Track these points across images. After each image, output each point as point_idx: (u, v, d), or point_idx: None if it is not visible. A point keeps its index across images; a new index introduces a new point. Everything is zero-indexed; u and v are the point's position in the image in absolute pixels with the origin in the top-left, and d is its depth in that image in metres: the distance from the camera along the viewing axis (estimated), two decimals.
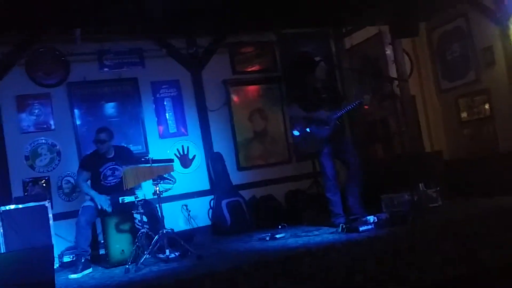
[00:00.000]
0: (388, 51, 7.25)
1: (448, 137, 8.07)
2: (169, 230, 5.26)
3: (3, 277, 3.93)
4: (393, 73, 7.10)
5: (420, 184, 6.24)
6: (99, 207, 5.43)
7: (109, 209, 5.44)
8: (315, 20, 7.45)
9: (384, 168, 7.21)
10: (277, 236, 5.64)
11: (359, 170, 5.81)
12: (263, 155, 7.62)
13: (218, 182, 7.10)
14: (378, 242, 4.77)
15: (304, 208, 6.71)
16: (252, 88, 7.73)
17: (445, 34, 7.88)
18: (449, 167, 7.24)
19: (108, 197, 5.50)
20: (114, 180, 5.75)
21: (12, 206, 5.62)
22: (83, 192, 5.61)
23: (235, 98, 7.56)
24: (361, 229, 5.10)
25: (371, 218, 5.37)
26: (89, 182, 5.73)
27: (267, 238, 5.64)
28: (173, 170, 5.62)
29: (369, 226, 5.17)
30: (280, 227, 5.95)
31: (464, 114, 7.72)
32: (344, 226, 5.33)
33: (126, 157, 5.79)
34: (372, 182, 6.30)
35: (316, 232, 5.56)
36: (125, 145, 6.63)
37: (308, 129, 5.73)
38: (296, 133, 5.90)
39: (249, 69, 7.73)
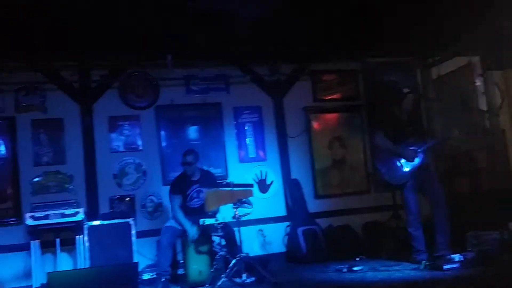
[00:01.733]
0: (478, 83, 6.97)
1: None
2: (246, 255, 5.30)
3: None
4: (482, 105, 6.81)
5: (509, 223, 5.88)
6: (189, 240, 5.56)
7: (193, 238, 5.57)
8: (401, 50, 7.34)
9: (470, 204, 6.85)
10: (355, 268, 5.51)
11: (445, 208, 5.56)
12: (341, 184, 7.52)
13: (295, 209, 7.09)
14: (463, 282, 4.54)
15: (383, 241, 6.51)
16: (332, 116, 7.71)
17: None
18: None
19: (198, 230, 5.59)
20: (199, 202, 5.88)
21: (98, 222, 5.90)
22: (177, 219, 5.69)
23: (315, 125, 7.56)
24: (445, 267, 4.89)
25: (456, 257, 5.13)
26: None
27: (344, 270, 5.53)
28: (252, 195, 5.70)
29: (454, 265, 4.94)
30: (358, 259, 5.82)
31: None
32: (427, 263, 5.13)
33: (210, 180, 5.94)
34: (456, 218, 6.00)
35: (397, 268, 5.39)
36: (207, 168, 6.82)
37: (393, 162, 5.60)
38: (381, 166, 5.76)
39: (331, 97, 7.72)
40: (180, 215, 5.69)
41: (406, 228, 5.69)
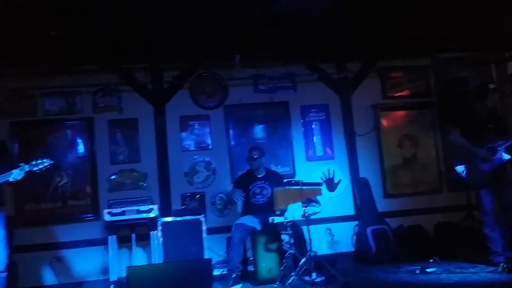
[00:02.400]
0: None
1: None
2: (314, 253, 5.30)
3: (163, 286, 4.25)
4: None
5: None
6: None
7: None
8: (475, 44, 7.06)
9: None
10: (428, 270, 5.38)
11: None
12: (412, 183, 7.34)
13: (364, 208, 6.99)
14: None
15: (458, 243, 6.30)
16: (402, 113, 7.53)
17: None
18: None
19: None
20: (263, 199, 5.99)
21: (171, 218, 6.09)
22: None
23: (384, 123, 7.43)
24: None
25: None
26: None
27: (417, 271, 5.41)
28: (321, 194, 5.68)
29: None
30: (431, 260, 5.66)
31: None
32: (505, 266, 4.92)
33: (276, 179, 6.02)
34: None
35: (472, 270, 5.22)
36: (274, 166, 6.88)
37: (470, 161, 5.40)
38: (459, 168, 5.56)
39: (400, 94, 7.55)
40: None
41: (482, 229, 5.47)
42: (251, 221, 5.77)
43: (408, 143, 7.45)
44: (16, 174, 4.30)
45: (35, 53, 5.95)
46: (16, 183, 4.46)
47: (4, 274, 4.48)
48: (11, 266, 4.60)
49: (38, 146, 6.18)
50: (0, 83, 6.41)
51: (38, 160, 4.39)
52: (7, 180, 4.33)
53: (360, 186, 7.11)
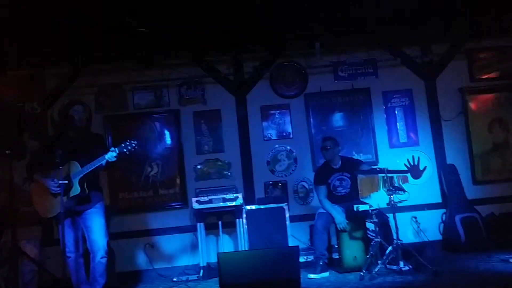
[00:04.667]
0: None
1: None
2: (401, 242, 5.22)
3: (253, 272, 4.37)
4: None
5: None
6: (338, 228, 5.64)
7: (346, 228, 5.62)
8: None
9: None
10: None
11: None
12: (504, 169, 7.00)
13: (451, 196, 6.76)
14: None
15: None
16: (492, 96, 7.17)
17: None
18: None
19: (347, 221, 5.65)
20: (344, 190, 5.93)
21: (254, 207, 6.21)
22: (325, 209, 5.81)
23: (472, 107, 7.11)
24: None
25: None
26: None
27: (511, 260, 5.17)
28: (407, 181, 5.60)
29: None
30: None
31: None
32: None
33: (353, 166, 5.94)
34: None
35: None
36: (356, 154, 6.81)
37: None
38: None
39: (489, 76, 7.19)
40: (327, 204, 5.78)
41: None
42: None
43: (499, 127, 7.10)
44: (109, 155, 4.53)
45: (125, 49, 6.26)
46: (110, 167, 4.71)
47: (105, 259, 4.77)
48: (109, 252, 4.89)
49: (130, 138, 6.47)
50: (94, 79, 6.82)
51: (126, 142, 4.62)
52: (102, 164, 4.58)
53: (447, 173, 6.88)
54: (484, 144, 7.05)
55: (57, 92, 6.74)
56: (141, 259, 6.62)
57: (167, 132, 6.94)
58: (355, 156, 6.80)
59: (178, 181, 6.84)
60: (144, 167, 6.80)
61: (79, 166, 4.59)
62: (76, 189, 4.58)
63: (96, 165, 4.56)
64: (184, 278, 5.96)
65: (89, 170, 4.56)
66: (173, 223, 6.71)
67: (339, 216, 5.64)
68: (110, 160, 4.53)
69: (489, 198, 6.85)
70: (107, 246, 4.81)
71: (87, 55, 6.41)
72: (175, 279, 5.95)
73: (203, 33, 6.08)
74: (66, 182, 4.49)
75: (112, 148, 4.56)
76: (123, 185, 6.76)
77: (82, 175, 4.57)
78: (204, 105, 6.98)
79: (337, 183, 5.94)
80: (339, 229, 5.63)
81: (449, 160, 6.98)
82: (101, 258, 4.75)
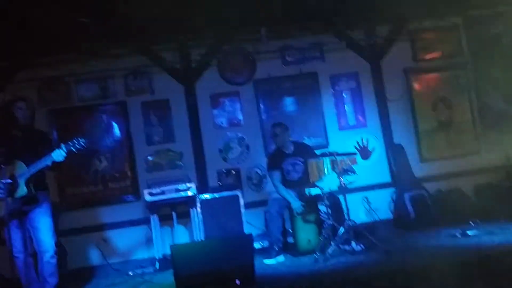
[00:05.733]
0: None
1: None
2: (353, 222, 5.33)
3: (207, 261, 4.36)
4: None
5: None
6: (295, 212, 5.67)
7: (299, 212, 5.66)
8: None
9: None
10: (469, 233, 5.35)
11: None
12: (449, 146, 7.23)
13: (400, 175, 6.94)
14: None
15: (498, 204, 6.21)
16: (435, 75, 7.37)
17: None
18: None
19: (303, 203, 5.68)
20: (297, 175, 5.96)
21: (209, 196, 6.18)
22: (280, 194, 5.83)
23: (416, 86, 7.30)
24: None
25: None
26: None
27: (458, 235, 5.38)
28: (356, 163, 5.69)
29: None
30: (471, 223, 5.62)
31: None
32: None
33: (305, 151, 5.98)
34: None
35: None
36: (306, 139, 6.87)
37: None
38: None
39: (432, 56, 7.38)
40: (282, 189, 5.81)
41: None
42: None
43: (443, 106, 7.31)
44: (56, 155, 4.40)
45: (66, 41, 6.04)
46: (57, 166, 4.58)
47: (54, 259, 4.67)
48: (59, 250, 4.77)
49: (76, 132, 6.27)
50: (35, 72, 6.56)
51: (74, 140, 4.49)
52: (48, 164, 4.45)
53: (395, 153, 7.05)
54: (429, 122, 7.26)
55: None
56: (95, 255, 6.49)
57: (115, 124, 6.78)
58: (306, 140, 6.86)
59: (129, 173, 6.72)
60: (93, 161, 6.64)
61: (25, 166, 4.46)
62: (22, 190, 4.46)
63: (43, 165, 4.43)
64: (139, 271, 5.88)
65: (36, 170, 4.43)
66: (126, 216, 6.60)
67: (295, 201, 5.68)
68: (57, 160, 4.41)
69: (436, 175, 7.07)
70: (56, 245, 4.70)
71: (26, 48, 6.15)
72: (130, 273, 5.87)
73: (148, 21, 5.94)
74: (10, 182, 4.33)
75: (60, 147, 4.42)
76: (71, 180, 6.58)
77: (28, 175, 4.44)
78: (152, 95, 6.85)
79: (290, 167, 5.97)
80: (295, 214, 5.67)
81: (396, 140, 7.16)
82: (50, 258, 4.66)
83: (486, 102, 6.74)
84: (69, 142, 4.48)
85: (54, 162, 4.45)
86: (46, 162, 4.43)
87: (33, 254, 4.73)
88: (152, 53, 6.79)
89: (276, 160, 5.98)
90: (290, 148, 6.01)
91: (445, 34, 7.39)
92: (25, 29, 5.50)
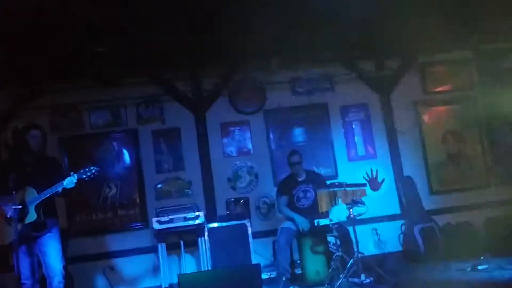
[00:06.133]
0: None
1: None
2: (362, 254, 5.28)
3: None
4: None
5: None
6: (300, 228, 5.66)
7: (305, 229, 5.64)
8: None
9: None
10: (479, 267, 5.27)
11: None
12: (459, 178, 7.21)
13: (410, 207, 6.91)
14: None
15: (509, 238, 6.13)
16: (444, 108, 7.40)
17: None
18: None
19: (307, 220, 5.70)
20: (307, 202, 5.97)
21: (217, 224, 6.16)
22: (285, 216, 5.88)
23: (426, 119, 7.33)
24: None
25: None
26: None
27: (468, 269, 5.30)
28: (366, 194, 5.68)
29: None
30: (482, 257, 5.54)
31: None
32: None
33: (317, 180, 6.02)
34: None
35: None
36: (315, 168, 6.86)
37: None
38: None
39: (442, 89, 7.42)
40: (287, 211, 5.84)
41: None
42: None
43: (452, 138, 7.32)
44: (67, 183, 4.45)
45: (80, 68, 6.16)
46: (67, 193, 4.61)
47: (62, 285, 4.64)
48: (66, 276, 4.76)
49: (86, 159, 6.36)
50: (47, 98, 6.67)
51: (86, 168, 4.55)
52: (58, 191, 4.49)
53: (404, 184, 7.03)
54: (439, 155, 7.26)
55: (9, 113, 6.54)
56: (101, 283, 6.45)
57: (125, 152, 6.84)
58: (315, 170, 6.86)
59: (137, 201, 6.74)
60: (103, 188, 6.68)
61: (35, 192, 4.49)
62: (32, 216, 4.47)
63: (54, 191, 4.48)
64: None
65: (46, 196, 4.46)
66: (134, 244, 6.58)
67: (299, 218, 5.67)
68: (67, 187, 4.45)
69: (445, 208, 7.03)
70: (64, 270, 4.69)
71: (41, 74, 6.27)
72: None
73: (161, 51, 6.05)
74: (20, 207, 4.36)
75: (72, 175, 4.47)
76: (81, 207, 6.60)
77: (38, 201, 4.47)
78: (163, 124, 6.92)
79: (302, 194, 5.98)
80: (301, 230, 5.63)
81: (406, 172, 7.14)
82: (59, 283, 4.62)
83: (496, 136, 6.70)
84: (81, 170, 4.54)
85: (64, 189, 4.49)
86: (57, 188, 4.47)
87: (40, 281, 4.72)
88: (164, 82, 6.90)
89: (287, 186, 6.02)
90: (303, 176, 6.03)
91: (455, 67, 7.46)
92: (39, 56, 5.60)
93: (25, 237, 4.51)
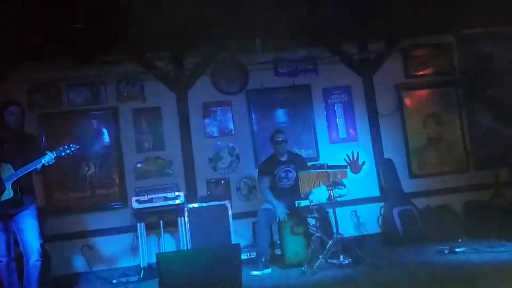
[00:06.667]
0: None
1: None
2: (341, 236, 5.31)
3: (193, 271, 4.30)
4: None
5: None
6: (277, 218, 5.67)
7: (282, 218, 5.65)
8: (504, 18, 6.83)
9: None
10: (457, 250, 5.34)
11: None
12: (438, 162, 7.26)
13: (389, 190, 6.96)
14: None
15: (487, 221, 6.21)
16: (426, 92, 7.43)
17: None
18: None
19: (287, 211, 5.68)
20: (289, 183, 5.97)
21: (197, 205, 6.14)
22: (266, 199, 5.88)
23: (407, 102, 7.34)
24: None
25: None
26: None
27: (446, 251, 5.38)
28: (346, 177, 5.69)
29: None
30: (460, 240, 5.62)
31: None
32: None
33: (299, 161, 6.03)
34: None
35: (502, 249, 5.17)
36: (297, 150, 6.85)
37: None
38: None
39: (423, 73, 7.43)
40: (269, 195, 5.84)
41: None
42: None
43: (433, 122, 7.36)
44: (46, 160, 4.39)
45: (60, 46, 6.00)
46: (44, 171, 4.56)
47: (39, 263, 4.59)
48: (43, 255, 4.70)
49: (65, 137, 6.25)
50: (26, 75, 6.50)
51: (65, 146, 4.48)
52: (37, 168, 4.41)
53: (385, 167, 7.07)
54: (419, 138, 7.29)
55: None
56: (79, 262, 6.40)
57: (105, 130, 6.75)
58: (296, 152, 6.84)
59: (117, 180, 6.66)
60: (81, 166, 6.58)
61: (12, 169, 4.41)
62: (9, 193, 4.41)
63: (31, 169, 4.40)
64: (124, 279, 5.79)
65: (23, 173, 4.38)
66: (113, 223, 6.52)
67: (279, 206, 5.69)
68: (46, 164, 4.37)
69: (425, 191, 7.09)
70: (41, 248, 4.63)
71: (19, 50, 6.10)
72: (114, 281, 5.78)
73: (142, 29, 5.92)
74: None
75: (50, 152, 4.39)
76: (59, 185, 6.52)
77: (15, 178, 4.39)
78: (144, 102, 6.82)
79: (283, 174, 5.98)
80: (279, 220, 5.65)
81: (386, 155, 7.18)
82: (36, 261, 4.58)
83: (476, 120, 6.75)
84: (60, 148, 4.47)
85: (43, 166, 4.41)
86: (35, 165, 4.39)
87: (16, 259, 4.65)
88: (145, 60, 6.78)
89: (269, 166, 6.01)
90: (285, 156, 6.03)
91: (437, 51, 7.46)
92: (18, 31, 5.45)
93: (1, 214, 4.44)
